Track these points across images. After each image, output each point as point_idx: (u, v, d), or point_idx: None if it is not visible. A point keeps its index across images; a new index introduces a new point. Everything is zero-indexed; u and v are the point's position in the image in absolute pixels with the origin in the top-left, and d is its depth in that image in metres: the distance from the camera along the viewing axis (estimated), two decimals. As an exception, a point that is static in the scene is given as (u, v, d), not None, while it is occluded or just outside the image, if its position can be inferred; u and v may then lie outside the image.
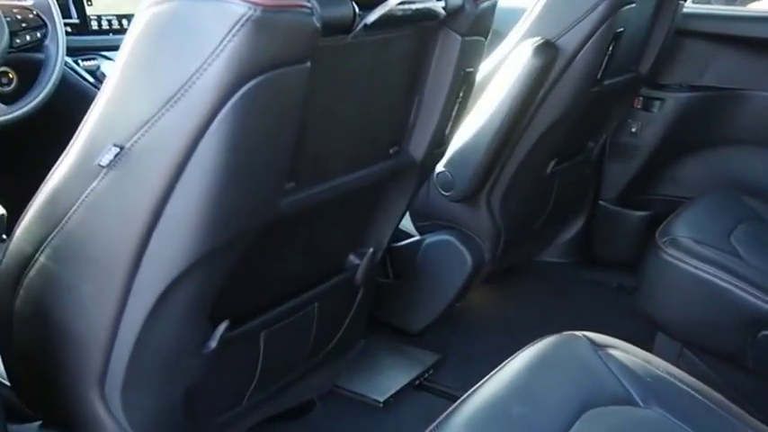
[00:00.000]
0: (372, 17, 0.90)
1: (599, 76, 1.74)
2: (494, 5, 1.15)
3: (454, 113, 1.21)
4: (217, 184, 0.84)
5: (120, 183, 0.86)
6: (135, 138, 0.83)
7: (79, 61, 1.88)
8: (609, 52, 1.71)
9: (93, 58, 1.89)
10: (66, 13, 1.84)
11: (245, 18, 0.76)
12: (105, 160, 0.85)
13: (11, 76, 1.72)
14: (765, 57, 2.16)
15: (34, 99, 1.68)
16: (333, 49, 0.92)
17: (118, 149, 0.84)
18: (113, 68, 0.86)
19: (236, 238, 0.92)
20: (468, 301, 2.12)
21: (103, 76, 1.87)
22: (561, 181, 2.02)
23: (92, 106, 0.87)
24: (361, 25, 0.90)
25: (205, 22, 0.78)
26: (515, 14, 1.77)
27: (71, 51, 1.82)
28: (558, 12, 1.66)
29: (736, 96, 2.25)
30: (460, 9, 1.08)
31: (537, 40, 1.64)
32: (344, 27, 0.89)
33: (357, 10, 0.89)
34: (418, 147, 1.20)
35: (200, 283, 0.94)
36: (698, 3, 2.40)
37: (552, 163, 1.90)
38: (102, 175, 0.87)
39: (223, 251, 0.92)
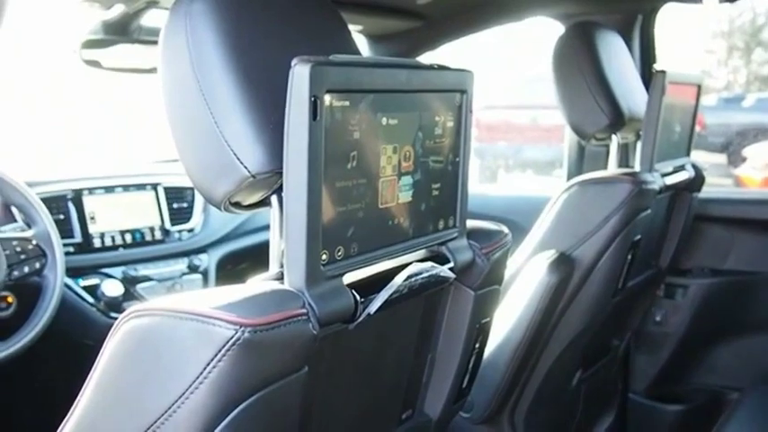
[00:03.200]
0: (376, 305, 0.82)
1: (620, 286, 1.65)
2: (506, 252, 1.07)
3: (471, 365, 1.11)
4: None
5: None
6: (109, 468, 0.73)
7: (79, 280, 1.83)
8: (628, 261, 1.63)
9: (93, 276, 1.84)
10: (68, 233, 1.83)
11: (231, 342, 0.67)
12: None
13: (9, 300, 1.68)
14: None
15: (29, 333, 1.63)
16: (333, 336, 0.83)
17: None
18: (85, 387, 0.76)
19: None
20: None
21: (103, 295, 1.82)
22: (588, 387, 1.89)
23: (60, 427, 0.77)
24: (364, 315, 0.81)
25: (187, 344, 0.69)
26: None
27: (71, 271, 1.77)
28: (571, 223, 1.59)
29: (763, 280, 2.15)
30: (471, 265, 1.00)
31: (551, 255, 1.56)
32: (345, 319, 0.80)
33: (358, 298, 0.80)
34: (434, 406, 1.09)
35: None
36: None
37: (578, 374, 1.78)
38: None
39: None
